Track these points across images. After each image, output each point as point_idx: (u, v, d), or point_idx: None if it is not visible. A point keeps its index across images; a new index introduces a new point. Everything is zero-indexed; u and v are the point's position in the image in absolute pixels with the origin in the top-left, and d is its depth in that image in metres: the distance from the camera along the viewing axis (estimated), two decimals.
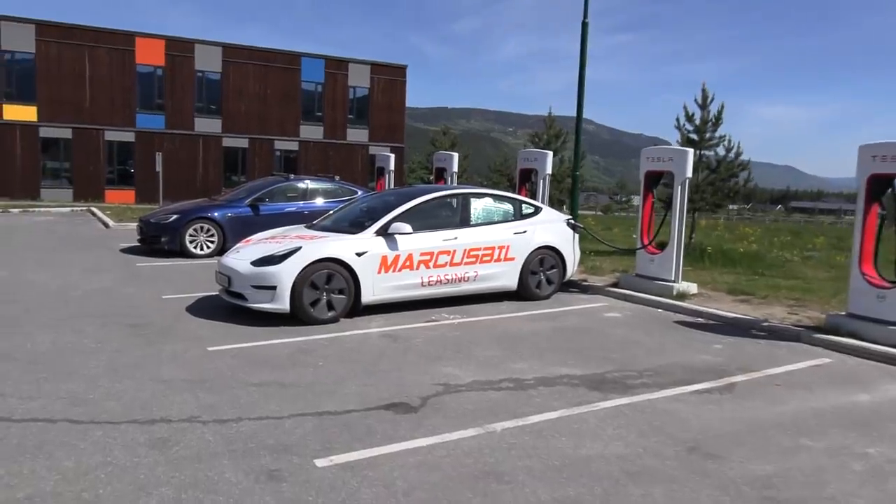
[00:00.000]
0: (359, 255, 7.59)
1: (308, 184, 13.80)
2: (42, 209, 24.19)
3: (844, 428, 4.69)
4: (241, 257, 7.73)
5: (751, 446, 4.32)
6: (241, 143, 35.00)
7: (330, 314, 7.44)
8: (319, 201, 13.45)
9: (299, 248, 7.42)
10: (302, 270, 7.26)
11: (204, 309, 8.01)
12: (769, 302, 8.80)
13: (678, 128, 13.27)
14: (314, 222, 9.03)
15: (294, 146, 36.41)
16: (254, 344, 6.53)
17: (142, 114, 32.66)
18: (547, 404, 5.01)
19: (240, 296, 7.49)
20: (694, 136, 13.15)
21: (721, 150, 13.16)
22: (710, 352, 6.67)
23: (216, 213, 12.65)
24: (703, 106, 13.16)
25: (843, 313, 7.24)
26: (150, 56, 32.55)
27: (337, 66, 37.25)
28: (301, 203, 13.37)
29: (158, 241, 12.49)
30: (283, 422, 4.54)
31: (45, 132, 31.12)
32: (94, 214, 21.80)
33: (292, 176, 14.04)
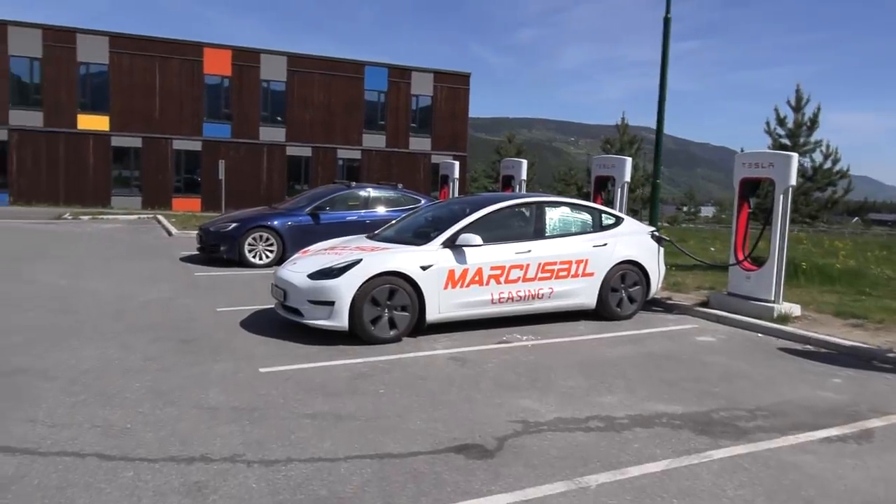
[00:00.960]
0: (424, 268, 6.94)
1: (370, 192, 13.29)
2: (111, 216, 24.57)
3: None
4: (297, 269, 7.18)
5: None
6: (305, 151, 35.13)
7: (392, 333, 6.80)
8: (382, 210, 12.92)
9: (359, 261, 6.82)
10: (362, 285, 6.65)
11: (259, 324, 7.51)
12: (887, 327, 7.72)
13: (769, 132, 12.23)
14: (376, 232, 8.44)
15: (357, 155, 36.34)
16: (309, 366, 5.94)
17: (208, 123, 33.14)
18: (647, 452, 4.21)
19: (296, 311, 6.94)
20: (786, 141, 12.05)
21: (818, 157, 11.98)
22: (829, 387, 5.72)
23: (275, 222, 12.25)
24: (797, 108, 12.08)
25: None
26: (217, 66, 33.03)
27: (400, 75, 37.06)
28: (363, 212, 12.86)
29: (217, 249, 12.18)
30: (338, 465, 3.90)
31: (117, 141, 31.89)
32: (159, 222, 21.95)
33: (354, 184, 13.56)
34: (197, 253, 13.02)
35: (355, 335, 6.72)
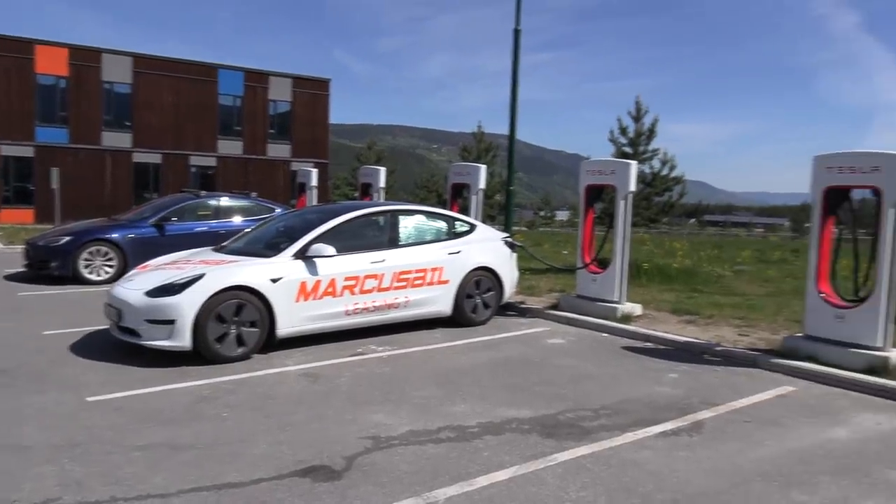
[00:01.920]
0: (274, 281, 6.64)
1: (221, 201, 12.68)
2: None
3: (834, 475, 4.10)
4: (134, 286, 6.64)
5: None
6: (154, 158, 33.09)
7: (240, 350, 6.45)
8: (235, 220, 12.37)
9: (203, 275, 6.41)
10: (206, 301, 6.25)
11: (92, 347, 6.87)
12: (716, 322, 8.34)
13: (612, 140, 12.90)
14: (223, 244, 8.01)
15: (212, 162, 34.72)
16: (145, 391, 5.49)
17: (42, 127, 30.38)
18: (496, 460, 4.22)
19: (132, 332, 6.41)
20: (628, 150, 12.80)
21: (656, 164, 12.83)
22: (667, 382, 6.06)
23: (115, 235, 11.36)
24: (637, 118, 12.84)
25: (800, 335, 6.79)
26: (51, 65, 30.37)
27: (256, 79, 35.87)
28: (213, 222, 12.23)
29: (47, 266, 11.10)
30: (169, 501, 3.58)
31: None
32: None
33: (203, 193, 12.88)
34: (24, 270, 11.80)
35: (200, 355, 6.31)
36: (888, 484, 3.99)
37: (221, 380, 5.84)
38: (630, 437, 4.68)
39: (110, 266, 11.24)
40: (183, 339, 6.20)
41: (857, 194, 6.61)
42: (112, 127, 31.95)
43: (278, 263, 6.82)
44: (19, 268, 12.05)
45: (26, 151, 30.04)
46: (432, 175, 41.89)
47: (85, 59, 31.26)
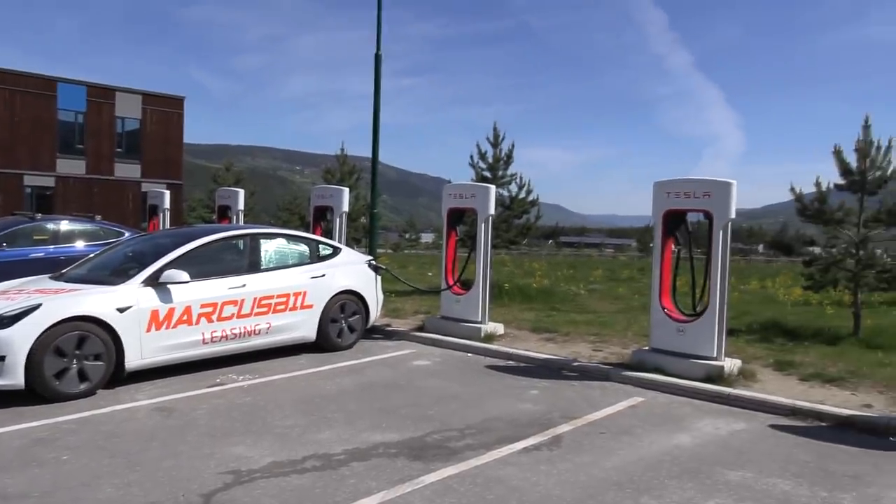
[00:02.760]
0: (121, 310, 6.19)
1: (61, 224, 11.68)
2: None
3: (679, 479, 4.41)
4: None
5: None
6: None
7: (83, 386, 5.94)
8: (77, 245, 11.40)
9: (38, 306, 5.85)
10: (42, 334, 5.70)
11: None
12: (573, 339, 8.75)
13: (472, 165, 13.27)
14: (63, 271, 7.37)
15: (50, 182, 32.02)
16: None
17: None
18: (363, 486, 4.16)
19: None
20: (487, 174, 13.21)
21: (514, 188, 13.33)
22: (528, 399, 6.25)
23: None
24: (495, 144, 13.30)
25: (647, 348, 7.27)
26: None
27: (102, 95, 33.63)
28: (52, 248, 11.21)
29: None
30: None
31: None
32: None
33: (39, 216, 11.81)
34: None
35: (36, 393, 5.74)
36: (727, 484, 4.34)
37: (61, 419, 5.35)
38: (495, 454, 4.77)
39: None
40: (15, 377, 5.62)
41: (692, 217, 7.23)
42: None
43: (126, 291, 6.37)
44: None
45: None
46: (295, 197, 40.95)
47: None
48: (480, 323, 8.65)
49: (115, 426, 5.25)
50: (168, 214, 14.73)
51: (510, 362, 7.75)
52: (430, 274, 18.32)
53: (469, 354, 8.11)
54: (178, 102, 36.74)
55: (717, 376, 6.52)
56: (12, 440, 4.87)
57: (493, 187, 8.82)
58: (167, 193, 14.73)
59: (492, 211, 8.69)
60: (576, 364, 7.39)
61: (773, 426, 5.58)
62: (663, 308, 7.10)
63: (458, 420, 5.56)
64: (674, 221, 7.09)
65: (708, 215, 6.74)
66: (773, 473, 4.53)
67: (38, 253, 10.98)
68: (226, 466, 4.43)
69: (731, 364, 6.72)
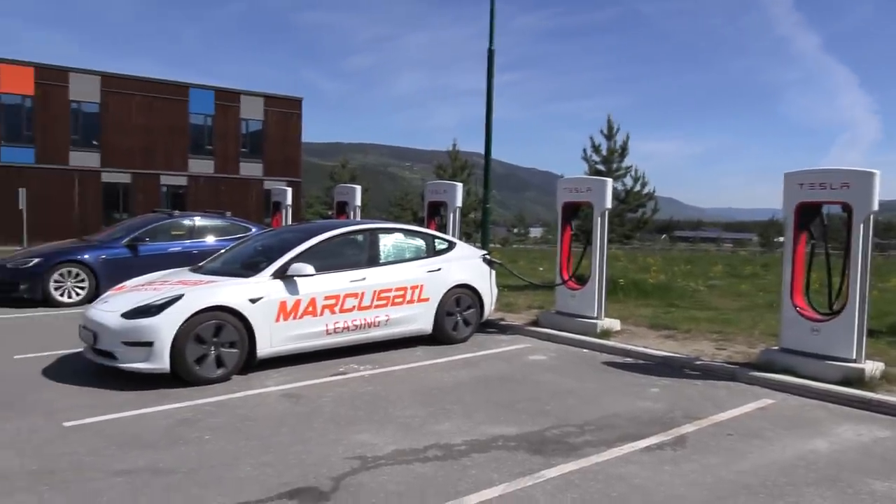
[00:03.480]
0: (253, 301, 6.58)
1: (195, 221, 12.54)
2: None
3: (817, 486, 4.16)
4: (109, 308, 6.53)
5: None
6: (124, 178, 32.68)
7: (220, 372, 6.36)
8: (209, 240, 12.23)
9: (181, 296, 6.33)
10: (185, 322, 6.16)
11: (66, 371, 6.72)
12: (694, 337, 8.43)
13: (585, 158, 13.06)
14: (200, 264, 7.91)
15: (182, 181, 34.40)
16: (124, 415, 5.38)
17: (7, 147, 29.83)
18: (485, 477, 4.21)
19: (109, 354, 6.29)
20: (601, 167, 12.96)
21: (629, 181, 13.00)
22: (649, 397, 6.10)
23: (87, 256, 11.16)
24: (609, 136, 13.01)
25: (776, 348, 6.90)
26: (16, 85, 29.94)
27: (228, 98, 35.72)
28: (188, 242, 12.10)
29: (17, 288, 10.84)
30: None
31: None
32: None
33: (177, 212, 12.73)
34: None
35: (179, 377, 6.21)
36: (872, 494, 4.06)
37: (201, 402, 5.75)
38: (616, 452, 4.69)
39: (81, 288, 11.03)
40: (161, 361, 6.10)
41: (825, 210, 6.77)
42: (80, 146, 31.52)
43: (257, 283, 6.75)
44: None
45: None
46: (406, 193, 41.91)
47: (52, 78, 30.88)
48: (596, 319, 8.51)
49: (248, 410, 5.58)
50: (290, 211, 15.45)
51: (628, 359, 7.58)
52: (541, 269, 18.18)
53: (585, 350, 8.00)
54: (296, 103, 38.41)
55: (856, 379, 6.09)
56: (160, 420, 5.29)
57: (609, 180, 8.64)
58: (289, 191, 15.44)
59: (608, 205, 8.52)
60: (698, 363, 7.12)
61: None
62: (795, 306, 6.70)
63: (577, 416, 5.51)
64: (808, 214, 6.67)
65: (847, 208, 6.29)
66: None
67: (176, 247, 11.86)
68: (352, 452, 4.61)
69: (872, 367, 6.26)
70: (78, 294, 10.96)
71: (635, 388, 6.39)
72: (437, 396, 6.04)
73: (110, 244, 11.61)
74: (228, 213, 13.60)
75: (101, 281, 10.89)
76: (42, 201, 28.79)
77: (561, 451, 4.69)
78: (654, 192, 13.27)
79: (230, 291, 6.56)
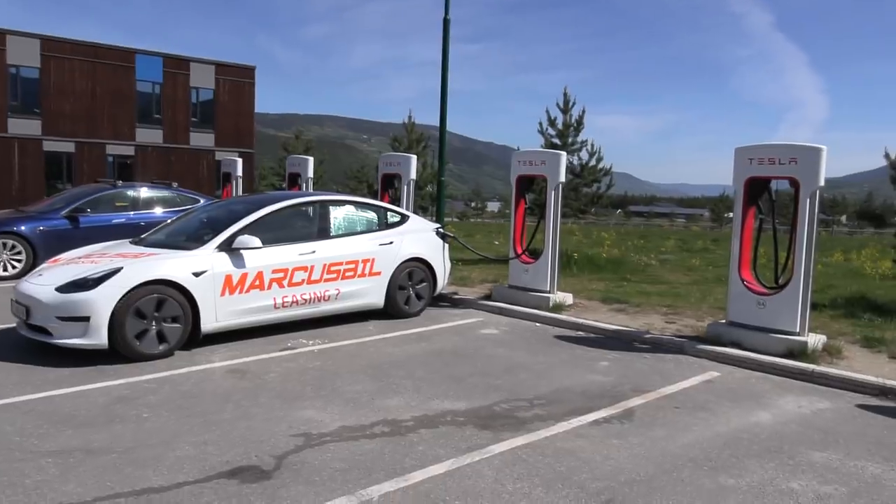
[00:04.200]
0: (196, 274, 6.35)
1: (140, 191, 12.09)
2: None
3: (759, 458, 4.22)
4: (43, 282, 6.23)
5: (671, 492, 3.70)
6: (67, 147, 31.41)
7: (161, 347, 6.15)
8: (156, 211, 11.83)
9: (120, 269, 6.06)
10: (123, 296, 5.91)
11: None
12: (644, 310, 8.52)
13: (541, 132, 12.99)
14: (142, 236, 7.61)
15: (130, 151, 33.24)
16: (58, 392, 5.15)
17: None
18: (431, 453, 4.15)
19: (43, 330, 6.01)
20: (557, 141, 12.92)
21: (584, 155, 12.99)
22: (598, 370, 6.12)
23: (23, 227, 10.67)
24: (565, 110, 12.96)
25: (724, 321, 6.99)
26: None
27: (177, 66, 34.51)
28: (132, 214, 11.66)
29: None
30: None
31: None
32: None
33: (120, 182, 12.25)
34: None
35: (118, 353, 5.98)
36: (811, 465, 4.13)
37: (141, 379, 5.55)
38: (564, 426, 4.69)
39: (18, 261, 10.56)
40: (99, 337, 5.85)
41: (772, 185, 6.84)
42: (19, 113, 30.15)
43: (201, 256, 6.52)
44: None
45: None
46: (362, 166, 41.40)
47: None
48: (549, 292, 8.52)
49: (191, 386, 5.41)
50: (241, 182, 15.07)
51: (579, 333, 7.60)
52: (496, 243, 18.20)
53: (537, 324, 8.00)
54: (249, 72, 37.38)
55: (799, 352, 6.22)
56: (97, 397, 5.08)
57: (564, 154, 8.60)
58: (240, 161, 15.04)
59: (562, 178, 8.48)
60: (648, 336, 7.19)
61: (861, 406, 5.28)
62: (743, 280, 6.79)
63: (527, 390, 5.49)
64: (757, 189, 6.73)
65: (794, 183, 6.36)
66: (861, 456, 4.29)
67: (119, 219, 11.44)
68: (297, 429, 4.50)
69: (815, 340, 6.40)
70: (14, 267, 10.49)
71: (586, 362, 6.40)
72: (386, 371, 5.95)
73: (49, 215, 11.12)
74: (175, 184, 13.17)
75: (39, 253, 10.44)
76: None
77: (510, 426, 4.65)
78: (610, 167, 13.30)
79: (172, 265, 6.32)
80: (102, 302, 5.85)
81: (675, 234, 28.46)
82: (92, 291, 5.89)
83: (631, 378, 5.89)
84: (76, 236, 10.46)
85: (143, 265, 6.23)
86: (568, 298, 8.71)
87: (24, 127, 30.29)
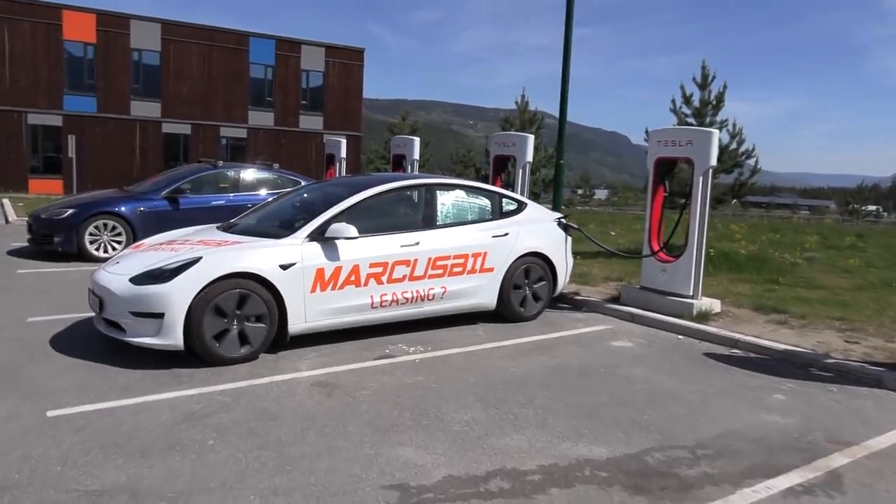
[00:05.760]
0: (284, 267, 5.50)
1: (240, 172, 11.61)
2: None
3: None
4: (119, 271, 5.55)
5: None
6: (184, 129, 32.32)
7: (243, 350, 5.34)
8: (259, 193, 11.31)
9: (198, 259, 5.28)
10: (201, 291, 5.13)
11: (75, 341, 5.85)
12: (813, 324, 6.99)
13: (674, 110, 11.43)
14: (231, 221, 6.87)
15: (242, 133, 33.86)
16: (120, 403, 4.41)
17: (70, 95, 29.73)
18: None
19: (116, 325, 5.34)
20: (692, 121, 11.33)
21: (724, 137, 11.33)
22: (773, 407, 4.78)
23: (123, 208, 10.37)
24: (703, 86, 11.34)
25: None
26: (79, 32, 29.64)
27: (289, 48, 34.78)
28: (232, 195, 11.20)
29: (50, 240, 10.17)
30: None
31: None
32: (1, 206, 19.13)
33: (221, 163, 11.80)
34: (28, 244, 10.92)
35: (195, 354, 5.23)
36: None
37: (216, 389, 4.74)
38: (749, 495, 3.44)
39: (118, 242, 10.28)
40: (173, 337, 5.10)
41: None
42: (141, 96, 31.20)
43: (290, 246, 5.66)
44: (27, 242, 11.17)
45: (55, 120, 29.45)
46: (469, 150, 40.46)
47: (113, 25, 30.49)
48: (692, 298, 7.15)
49: (270, 402, 4.54)
50: (345, 164, 14.40)
51: (735, 351, 6.22)
52: (612, 233, 16.73)
53: (680, 337, 6.67)
54: (358, 54, 37.21)
55: None
56: (162, 412, 4.29)
57: (715, 132, 7.15)
58: (343, 142, 14.35)
59: (713, 161, 7.06)
60: (829, 361, 5.72)
61: None
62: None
63: (684, 432, 4.25)
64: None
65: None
66: None
67: (219, 200, 10.99)
68: (391, 477, 3.50)
69: None
70: (114, 248, 10.20)
71: (752, 393, 5.06)
72: (501, 394, 4.86)
73: (150, 195, 10.79)
74: (276, 165, 12.63)
75: (139, 235, 10.08)
76: (104, 151, 28.77)
77: (671, 491, 3.46)
78: (753, 149, 11.56)
79: (257, 255, 5.48)
80: (177, 296, 5.09)
81: (811, 229, 25.72)
82: (166, 284, 5.13)
83: (820, 421, 4.52)
84: (175, 217, 10.08)
85: (225, 255, 5.42)
86: (715, 305, 7.30)
87: (145, 109, 31.34)
